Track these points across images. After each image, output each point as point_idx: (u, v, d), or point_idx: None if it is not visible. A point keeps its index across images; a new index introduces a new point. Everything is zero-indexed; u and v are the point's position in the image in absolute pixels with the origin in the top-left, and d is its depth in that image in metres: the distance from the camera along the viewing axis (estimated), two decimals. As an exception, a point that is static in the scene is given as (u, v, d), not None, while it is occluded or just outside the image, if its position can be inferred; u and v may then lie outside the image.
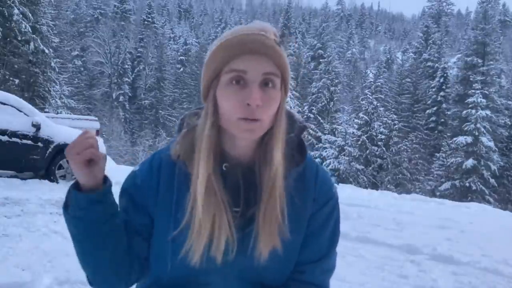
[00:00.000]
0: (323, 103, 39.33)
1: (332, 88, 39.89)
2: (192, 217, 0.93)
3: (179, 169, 0.98)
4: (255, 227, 0.94)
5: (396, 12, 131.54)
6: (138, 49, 56.91)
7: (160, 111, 51.99)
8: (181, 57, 59.90)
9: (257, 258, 0.95)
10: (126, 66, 54.30)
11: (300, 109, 37.84)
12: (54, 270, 3.42)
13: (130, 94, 53.46)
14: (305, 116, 38.02)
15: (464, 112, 31.38)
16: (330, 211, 1.03)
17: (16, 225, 4.73)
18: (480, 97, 30.70)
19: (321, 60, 45.68)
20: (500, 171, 30.42)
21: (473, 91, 31.48)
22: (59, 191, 6.94)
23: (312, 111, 39.09)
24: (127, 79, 53.64)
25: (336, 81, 41.39)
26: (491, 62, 36.17)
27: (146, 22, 61.80)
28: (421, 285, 3.99)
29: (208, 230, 0.92)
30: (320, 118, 38.38)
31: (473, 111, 30.50)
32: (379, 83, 36.77)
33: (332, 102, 39.92)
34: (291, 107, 34.88)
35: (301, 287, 1.01)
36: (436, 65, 40.86)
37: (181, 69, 57.62)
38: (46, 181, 7.79)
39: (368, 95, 33.28)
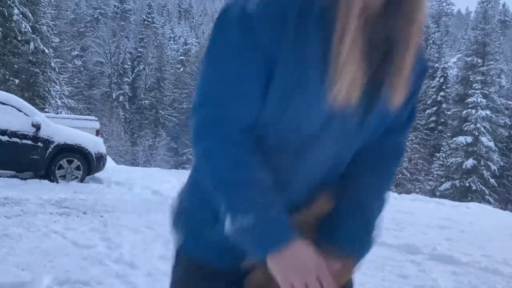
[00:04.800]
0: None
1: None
2: (330, 65, 0.81)
3: (316, 4, 0.81)
4: (384, 86, 0.87)
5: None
6: (138, 49, 56.90)
7: (160, 111, 52.00)
8: (181, 57, 59.89)
9: (371, 118, 0.89)
10: (126, 66, 54.30)
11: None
12: (54, 270, 3.43)
13: (130, 94, 53.47)
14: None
15: (464, 112, 31.39)
16: (421, 83, 1.00)
17: (16, 225, 4.73)
18: (480, 97, 30.72)
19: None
20: (500, 171, 30.44)
21: (473, 91, 31.50)
22: (59, 191, 6.95)
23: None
24: (127, 79, 53.65)
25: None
26: (491, 62, 36.16)
27: (146, 22, 61.80)
28: (421, 285, 3.99)
29: (347, 81, 0.81)
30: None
31: (473, 111, 30.52)
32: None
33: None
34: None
35: (390, 144, 0.99)
36: (436, 65, 40.85)
37: (181, 69, 57.62)
38: (46, 181, 7.80)
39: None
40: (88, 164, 8.18)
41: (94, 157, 8.21)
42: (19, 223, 4.83)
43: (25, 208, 5.60)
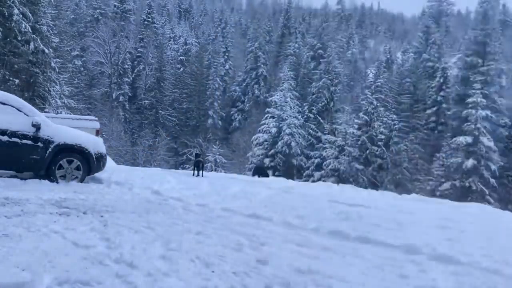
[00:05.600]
0: (323, 103, 39.32)
1: (332, 88, 39.87)
2: None
3: None
4: None
5: (396, 12, 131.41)
6: (138, 49, 56.88)
7: (160, 111, 51.99)
8: (181, 57, 59.90)
9: None
10: (126, 66, 54.29)
11: (300, 109, 37.84)
12: (54, 270, 3.43)
13: (130, 94, 53.47)
14: (305, 116, 38.01)
15: (464, 112, 31.36)
16: None
17: (16, 225, 4.72)
18: (480, 97, 30.69)
19: (321, 60, 45.67)
20: (500, 171, 30.41)
21: (473, 91, 31.47)
22: (59, 191, 6.95)
23: (312, 111, 39.07)
24: (127, 79, 53.64)
25: (336, 81, 41.36)
26: (491, 62, 36.14)
27: (146, 22, 61.79)
28: (421, 285, 3.98)
29: None
30: (320, 118, 38.37)
31: (473, 111, 30.49)
32: (379, 83, 36.80)
33: (332, 102, 39.90)
34: (290, 107, 34.87)
35: None
36: (436, 65, 40.87)
37: (181, 69, 57.60)
38: (46, 181, 7.79)
39: (368, 95, 33.28)
40: (88, 164, 8.17)
41: (94, 157, 8.20)
42: (19, 223, 4.82)
43: (25, 208, 5.59)
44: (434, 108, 38.44)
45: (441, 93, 38.27)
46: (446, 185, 29.90)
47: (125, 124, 49.60)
